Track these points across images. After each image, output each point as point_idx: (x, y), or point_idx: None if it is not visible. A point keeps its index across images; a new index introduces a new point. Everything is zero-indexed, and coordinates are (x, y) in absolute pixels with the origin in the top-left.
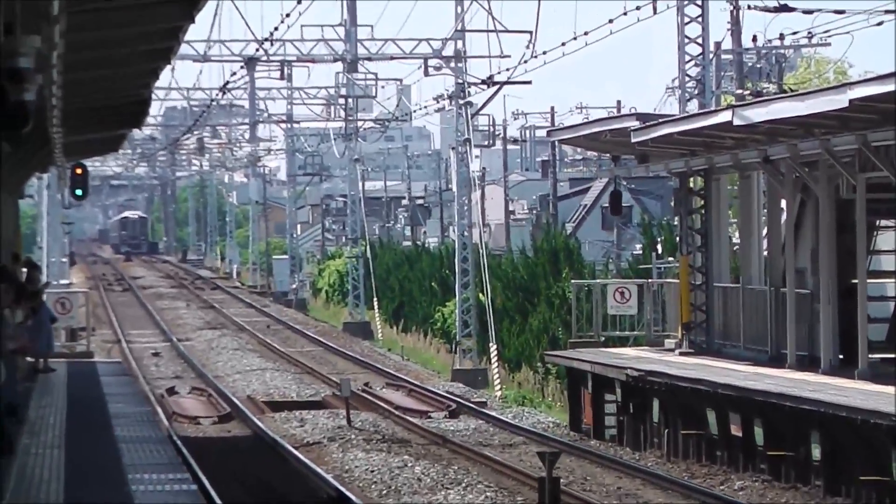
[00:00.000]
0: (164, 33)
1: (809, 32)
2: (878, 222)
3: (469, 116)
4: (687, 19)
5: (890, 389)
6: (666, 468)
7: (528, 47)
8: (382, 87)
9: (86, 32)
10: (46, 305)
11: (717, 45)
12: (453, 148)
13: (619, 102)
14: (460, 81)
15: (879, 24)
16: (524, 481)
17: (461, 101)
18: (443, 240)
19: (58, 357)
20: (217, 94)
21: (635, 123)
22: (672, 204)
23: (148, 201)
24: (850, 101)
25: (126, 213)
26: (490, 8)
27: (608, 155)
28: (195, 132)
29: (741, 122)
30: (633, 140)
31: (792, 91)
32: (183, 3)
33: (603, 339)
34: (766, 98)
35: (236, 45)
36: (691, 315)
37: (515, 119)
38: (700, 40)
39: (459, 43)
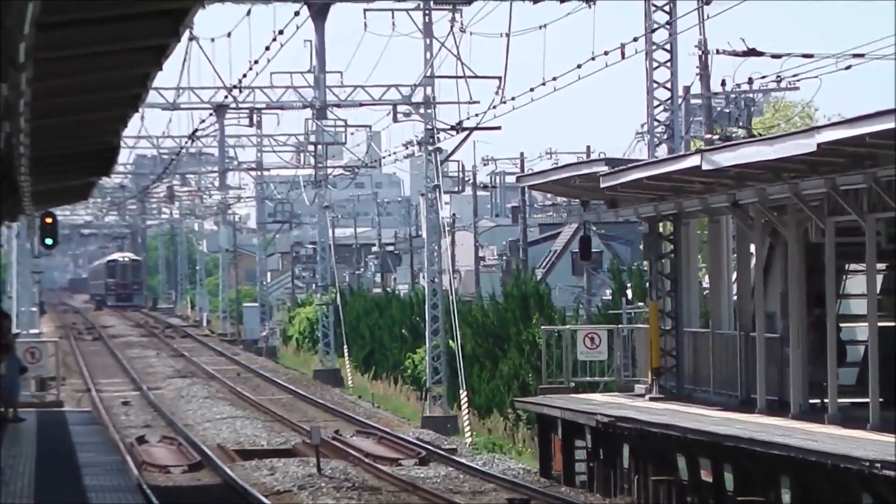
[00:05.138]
0: (132, 80)
1: (778, 76)
2: (847, 266)
3: (439, 162)
4: (655, 64)
5: (860, 434)
6: None
7: (497, 93)
8: (352, 133)
9: (53, 80)
10: (16, 355)
11: (686, 89)
12: (423, 194)
13: (588, 147)
14: (430, 127)
15: (847, 68)
16: None
17: (430, 148)
18: (413, 286)
19: (27, 406)
20: (186, 142)
21: (604, 168)
22: (642, 249)
23: (118, 249)
24: (819, 145)
25: (114, 256)
26: (459, 54)
27: (578, 200)
28: (165, 180)
29: (710, 166)
30: (603, 185)
31: (760, 135)
32: (151, 50)
33: (573, 384)
34: (734, 142)
35: (205, 92)
36: (661, 360)
37: (485, 165)
38: (669, 85)
39: (429, 89)
